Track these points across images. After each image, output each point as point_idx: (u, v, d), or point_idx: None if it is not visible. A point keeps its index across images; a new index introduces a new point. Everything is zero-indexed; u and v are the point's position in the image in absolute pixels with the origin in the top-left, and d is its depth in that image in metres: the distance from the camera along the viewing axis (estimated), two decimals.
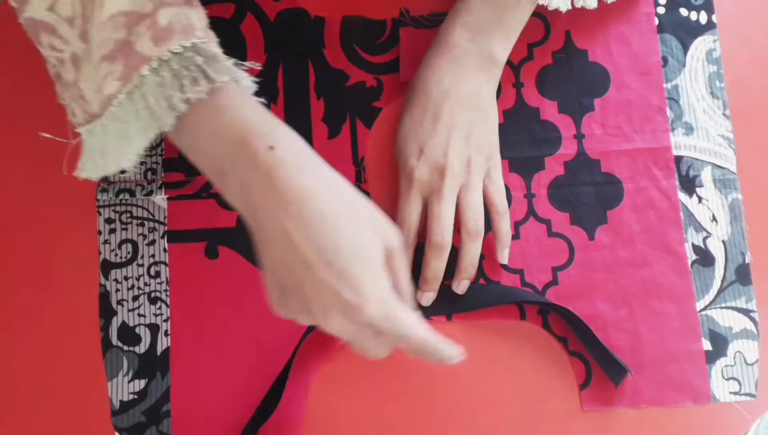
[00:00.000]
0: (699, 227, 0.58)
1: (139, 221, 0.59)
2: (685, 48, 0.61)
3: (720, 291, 0.57)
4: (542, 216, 0.59)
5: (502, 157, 0.59)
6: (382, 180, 0.60)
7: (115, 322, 0.57)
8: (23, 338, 0.58)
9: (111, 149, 0.44)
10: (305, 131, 0.60)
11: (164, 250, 0.58)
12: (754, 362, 0.56)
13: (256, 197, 0.41)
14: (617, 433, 0.56)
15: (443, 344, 0.44)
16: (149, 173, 0.59)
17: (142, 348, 0.57)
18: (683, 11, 0.62)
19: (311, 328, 0.56)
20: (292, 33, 0.62)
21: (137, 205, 0.59)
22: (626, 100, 0.60)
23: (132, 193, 0.59)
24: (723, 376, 0.56)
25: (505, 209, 0.57)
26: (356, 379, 0.57)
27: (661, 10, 0.62)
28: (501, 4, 0.56)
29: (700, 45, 0.61)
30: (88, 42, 0.41)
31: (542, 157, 0.60)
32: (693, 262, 0.58)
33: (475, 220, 0.55)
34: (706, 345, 0.57)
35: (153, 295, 0.58)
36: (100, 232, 0.59)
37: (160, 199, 0.59)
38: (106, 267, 0.58)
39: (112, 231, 0.59)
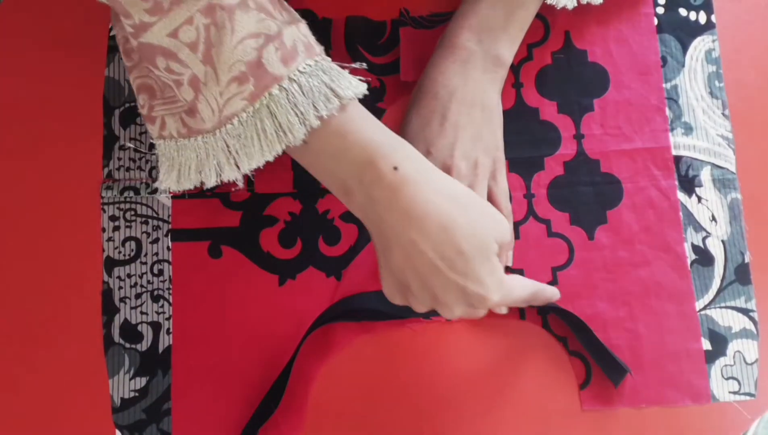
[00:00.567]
0: (698, 227, 0.59)
1: (143, 219, 0.60)
2: (685, 48, 0.62)
3: (719, 291, 0.58)
4: (542, 216, 0.60)
5: None
6: None
7: (118, 320, 0.59)
8: (25, 335, 0.59)
9: (199, 165, 0.48)
10: None
11: (168, 248, 0.60)
12: (753, 362, 0.57)
13: (382, 212, 0.47)
14: (617, 432, 0.57)
15: (547, 289, 0.55)
16: (154, 171, 0.61)
17: (143, 346, 0.58)
18: (682, 11, 0.63)
19: (312, 328, 0.57)
20: None
21: (141, 203, 0.60)
22: (625, 100, 0.61)
23: (136, 191, 0.60)
24: (722, 376, 0.57)
25: (509, 212, 0.58)
26: (356, 379, 0.58)
27: (661, 10, 0.62)
28: (507, 5, 0.57)
29: (700, 45, 0.62)
30: (213, 65, 0.44)
31: (542, 157, 0.61)
32: (692, 262, 0.59)
33: None
34: (706, 344, 0.58)
35: (156, 293, 0.59)
36: (104, 230, 0.60)
37: (165, 197, 0.60)
38: (110, 264, 0.60)
39: (116, 228, 0.60)
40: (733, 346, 0.57)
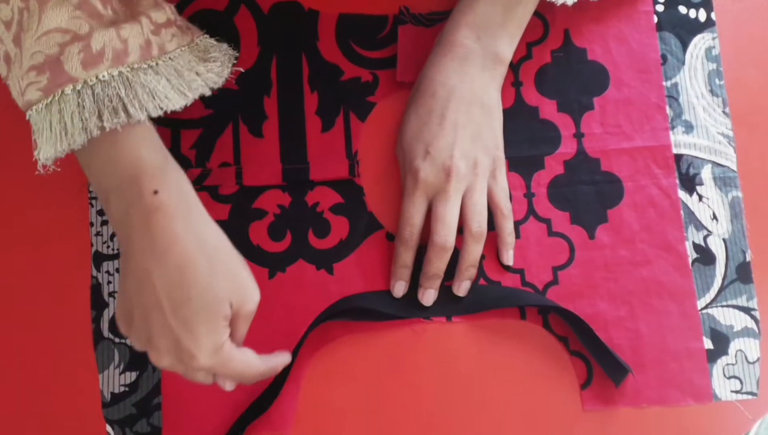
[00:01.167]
0: (699, 225, 0.60)
1: None
2: (685, 46, 0.63)
3: (721, 289, 0.59)
4: (542, 215, 0.61)
5: None
6: (376, 174, 0.62)
7: (107, 314, 0.59)
8: (14, 330, 0.59)
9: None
10: (299, 124, 0.62)
11: None
12: (755, 361, 0.58)
13: (131, 232, 0.46)
14: (619, 432, 0.57)
15: (276, 369, 0.52)
16: None
17: None
18: (682, 9, 0.64)
19: (311, 328, 0.57)
20: (286, 26, 0.64)
21: None
22: (626, 99, 0.62)
23: None
24: (724, 375, 0.58)
25: (509, 211, 0.59)
26: (352, 377, 0.58)
27: (660, 8, 0.64)
28: (505, 2, 0.58)
29: (700, 43, 0.63)
30: (20, 48, 0.45)
31: (542, 156, 0.62)
32: (694, 261, 0.60)
33: (479, 222, 0.57)
34: (708, 344, 0.58)
35: None
36: (92, 224, 0.60)
37: None
38: (98, 259, 0.60)
39: (104, 223, 0.60)
40: (734, 345, 0.58)
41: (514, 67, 0.63)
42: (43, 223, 0.60)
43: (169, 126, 0.61)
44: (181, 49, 0.50)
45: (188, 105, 0.49)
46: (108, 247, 0.60)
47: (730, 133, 0.62)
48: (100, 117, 0.45)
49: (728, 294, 0.59)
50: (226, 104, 0.62)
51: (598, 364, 0.58)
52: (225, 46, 0.54)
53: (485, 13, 0.58)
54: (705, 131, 0.62)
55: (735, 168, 0.61)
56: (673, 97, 0.63)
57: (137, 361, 0.58)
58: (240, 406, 0.57)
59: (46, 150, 0.46)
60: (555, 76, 0.63)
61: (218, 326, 0.46)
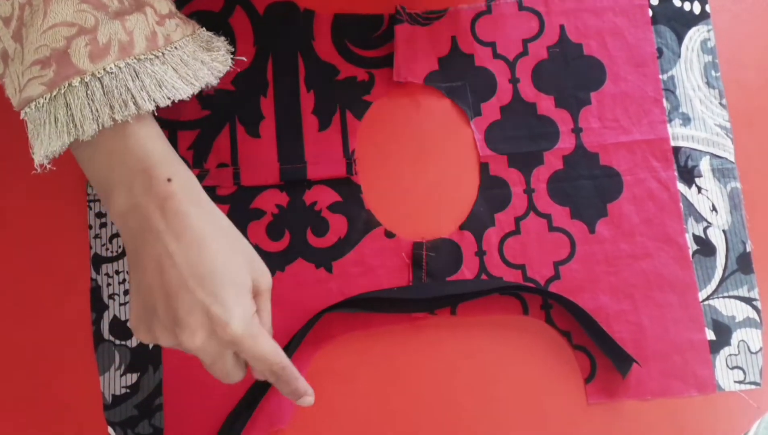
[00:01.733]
0: (699, 217, 0.62)
1: None
2: (680, 38, 0.65)
3: (722, 280, 0.61)
4: (542, 211, 0.62)
5: (502, 153, 0.63)
6: (373, 172, 0.63)
7: (107, 317, 0.60)
8: (15, 334, 0.60)
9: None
10: (295, 123, 0.63)
11: None
12: (757, 351, 0.60)
13: (142, 221, 0.47)
14: (623, 425, 0.58)
15: (300, 379, 0.51)
16: None
17: (133, 342, 0.59)
18: (677, 2, 0.65)
19: (309, 326, 0.58)
20: (282, 26, 0.65)
21: None
22: (623, 93, 0.64)
23: None
24: (727, 366, 0.59)
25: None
26: (354, 372, 0.59)
27: (655, 2, 0.65)
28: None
29: (695, 35, 0.65)
30: (21, 44, 0.46)
31: (540, 151, 0.63)
32: (694, 253, 0.61)
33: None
34: (710, 335, 0.60)
35: None
36: (90, 227, 0.61)
37: None
38: (97, 261, 0.61)
39: (103, 225, 0.61)
40: (737, 336, 0.60)
41: (510, 63, 0.64)
42: (41, 226, 0.61)
43: (166, 127, 0.62)
44: (185, 39, 0.51)
45: (194, 94, 0.50)
46: (107, 249, 0.61)
47: (728, 125, 0.63)
48: (111, 108, 0.46)
49: (729, 285, 0.61)
50: (222, 105, 0.63)
51: (605, 355, 0.59)
52: (223, 38, 0.56)
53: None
54: (702, 123, 0.63)
55: (733, 159, 0.63)
56: (669, 90, 0.64)
57: (138, 362, 0.59)
58: None
59: (50, 145, 0.47)
60: (552, 72, 0.65)
61: (245, 296, 0.48)
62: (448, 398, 0.59)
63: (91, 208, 0.62)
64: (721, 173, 0.63)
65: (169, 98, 0.48)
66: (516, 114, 0.64)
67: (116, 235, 0.61)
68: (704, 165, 0.63)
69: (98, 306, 0.60)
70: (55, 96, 0.46)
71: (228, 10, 0.65)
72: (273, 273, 0.60)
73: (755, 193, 0.63)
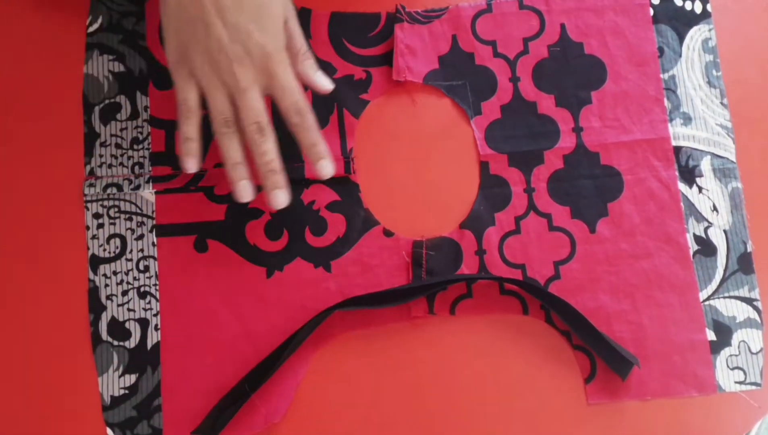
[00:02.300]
0: (700, 217, 0.63)
1: (127, 216, 0.62)
2: (681, 38, 0.66)
3: (722, 281, 0.62)
4: (543, 210, 0.63)
5: (503, 152, 0.64)
6: (371, 171, 0.64)
7: (105, 318, 0.60)
8: (13, 335, 0.60)
9: None
10: None
11: (153, 244, 0.62)
12: (758, 351, 0.61)
13: None
14: (624, 426, 0.59)
15: (321, 136, 0.57)
16: (136, 167, 0.63)
17: (132, 343, 0.60)
18: (678, 1, 0.66)
19: (309, 324, 0.59)
20: None
21: (125, 200, 0.62)
22: (623, 92, 0.65)
23: (119, 188, 0.62)
24: (728, 366, 0.60)
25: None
26: (354, 371, 0.60)
27: (656, 1, 0.66)
28: None
29: (696, 34, 0.66)
30: None
31: (541, 151, 0.64)
32: (695, 253, 0.62)
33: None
34: (710, 335, 0.61)
35: (142, 289, 0.61)
36: (88, 228, 0.62)
37: (148, 193, 0.62)
38: (95, 262, 0.61)
39: (100, 226, 0.62)
40: (737, 336, 0.61)
41: (511, 62, 0.65)
42: (38, 228, 0.62)
43: (164, 127, 0.63)
44: None
45: None
46: (104, 250, 0.62)
47: (729, 125, 0.64)
48: None
49: (730, 285, 0.62)
50: None
51: (603, 360, 0.60)
52: None
53: None
54: (703, 123, 0.64)
55: (734, 159, 0.64)
56: (670, 89, 0.65)
57: (136, 363, 0.60)
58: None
59: None
60: (552, 71, 0.65)
61: (280, 21, 0.54)
62: (447, 398, 0.60)
63: (88, 209, 0.62)
64: (722, 173, 0.63)
65: None
66: (516, 113, 0.65)
67: (114, 236, 0.62)
68: (705, 165, 0.64)
69: (96, 307, 0.61)
70: None
71: None
72: (272, 273, 0.62)
73: (756, 193, 0.63)
